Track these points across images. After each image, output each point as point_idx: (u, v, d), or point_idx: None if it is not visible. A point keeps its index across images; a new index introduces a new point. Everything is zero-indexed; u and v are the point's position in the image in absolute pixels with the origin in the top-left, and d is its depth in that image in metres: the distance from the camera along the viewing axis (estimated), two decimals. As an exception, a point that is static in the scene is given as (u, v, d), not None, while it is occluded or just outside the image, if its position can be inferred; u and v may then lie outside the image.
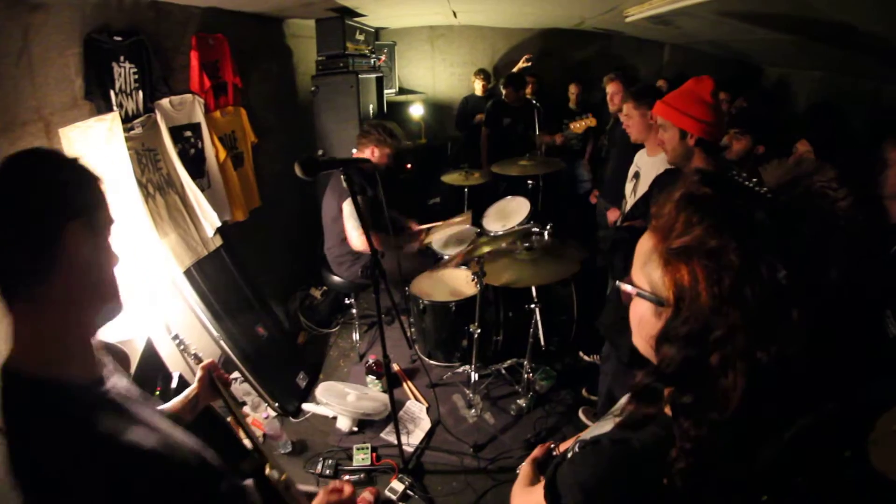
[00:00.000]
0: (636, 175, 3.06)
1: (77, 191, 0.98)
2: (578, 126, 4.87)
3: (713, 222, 0.77)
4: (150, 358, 2.19)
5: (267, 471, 1.47)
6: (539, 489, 1.07)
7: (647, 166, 2.94)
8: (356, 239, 3.47)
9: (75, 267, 0.93)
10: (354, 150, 3.65)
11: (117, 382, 1.05)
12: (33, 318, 0.91)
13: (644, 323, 0.89)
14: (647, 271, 0.87)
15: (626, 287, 0.91)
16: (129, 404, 1.01)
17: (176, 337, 2.15)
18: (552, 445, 1.58)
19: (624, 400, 1.15)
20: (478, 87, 6.12)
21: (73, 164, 1.00)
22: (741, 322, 0.74)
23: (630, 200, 3.09)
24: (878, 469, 1.13)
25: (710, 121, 2.00)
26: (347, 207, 3.41)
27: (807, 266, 0.74)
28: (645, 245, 0.89)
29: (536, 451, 1.56)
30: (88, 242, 0.96)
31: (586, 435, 1.14)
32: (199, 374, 1.64)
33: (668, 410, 0.88)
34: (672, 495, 0.82)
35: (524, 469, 1.48)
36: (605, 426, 1.08)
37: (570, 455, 1.06)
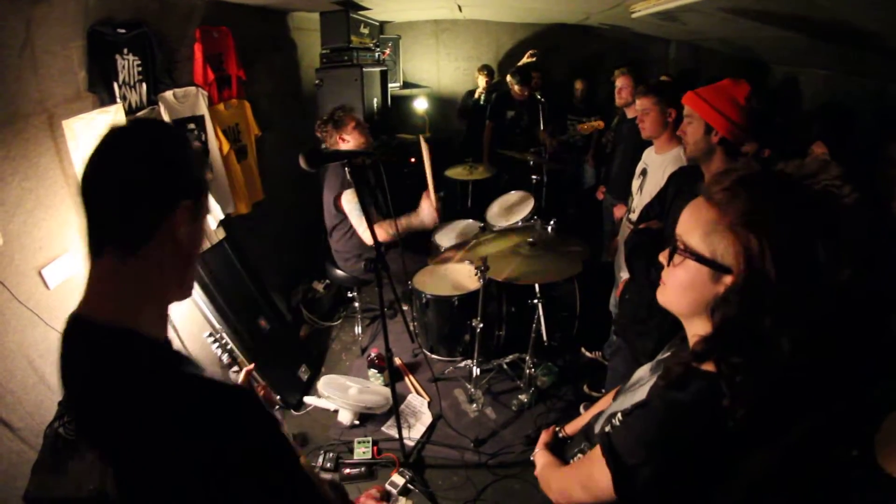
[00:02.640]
0: (643, 172, 3.04)
1: (197, 173, 1.06)
2: (585, 128, 4.85)
3: (777, 202, 0.90)
4: (153, 351, 2.20)
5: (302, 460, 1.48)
6: (590, 460, 1.13)
7: (656, 164, 2.92)
8: (363, 233, 3.39)
9: (176, 241, 0.97)
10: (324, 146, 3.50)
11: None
12: (121, 274, 0.93)
13: (696, 287, 0.99)
14: (709, 240, 0.95)
15: (683, 253, 1.00)
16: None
17: (211, 334, 2.18)
18: (557, 429, 1.59)
19: (642, 372, 1.25)
20: (481, 84, 6.09)
21: (197, 150, 1.11)
22: (796, 292, 0.87)
23: (636, 197, 3.07)
24: (884, 469, 1.13)
25: (739, 123, 1.97)
26: (347, 204, 3.36)
27: (847, 258, 0.87)
28: (704, 215, 0.98)
29: (545, 436, 1.56)
30: (191, 222, 0.99)
31: (617, 408, 1.19)
32: (241, 378, 1.77)
33: (706, 367, 0.99)
34: (726, 441, 0.94)
35: (544, 456, 1.47)
36: (635, 396, 1.15)
37: (615, 423, 1.13)
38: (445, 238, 3.86)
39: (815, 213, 0.89)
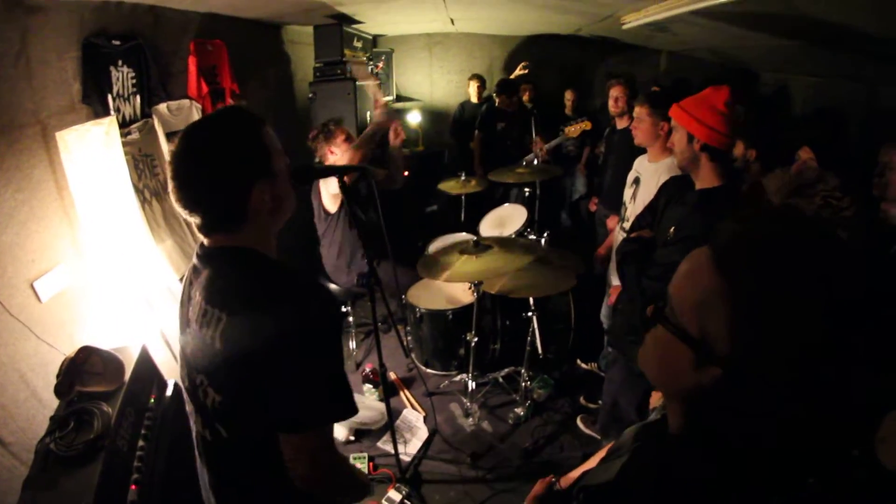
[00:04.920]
0: (636, 181, 3.05)
1: (261, 155, 1.21)
2: (573, 130, 4.87)
3: (800, 279, 0.64)
4: (145, 365, 2.16)
5: None
6: None
7: (648, 173, 2.94)
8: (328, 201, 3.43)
9: (265, 211, 1.22)
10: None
11: None
12: (236, 236, 1.23)
13: (675, 369, 0.75)
14: (702, 315, 0.70)
15: (664, 324, 0.76)
16: None
17: None
18: (553, 480, 1.55)
19: (626, 436, 1.09)
20: (473, 93, 6.12)
21: (267, 129, 1.25)
22: (806, 394, 0.66)
23: (630, 206, 3.08)
24: (886, 467, 1.12)
25: (718, 129, 2.01)
26: (323, 190, 3.39)
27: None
28: (703, 281, 0.71)
29: (537, 488, 1.52)
30: (271, 192, 1.21)
31: (591, 480, 1.07)
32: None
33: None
34: None
35: None
36: (609, 471, 0.99)
37: (581, 500, 1.01)
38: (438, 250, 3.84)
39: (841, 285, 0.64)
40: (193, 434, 1.36)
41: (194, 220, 1.21)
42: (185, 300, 1.30)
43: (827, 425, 0.70)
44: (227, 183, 1.17)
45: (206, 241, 1.26)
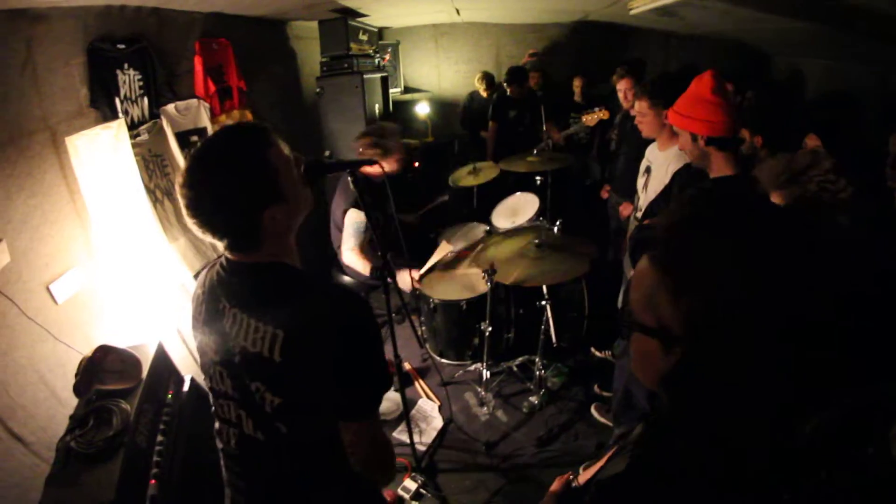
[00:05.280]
0: (648, 169, 3.03)
1: (279, 178, 1.24)
2: (590, 119, 4.83)
3: (719, 250, 0.72)
4: (162, 362, 2.20)
5: None
6: None
7: (659, 161, 2.92)
8: (346, 254, 3.33)
9: (279, 230, 1.28)
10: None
11: None
12: (256, 254, 1.28)
13: (652, 361, 0.82)
14: (653, 307, 0.79)
15: (629, 325, 0.84)
16: None
17: None
18: (571, 477, 1.55)
19: (637, 430, 1.13)
20: (481, 89, 6.12)
21: (274, 147, 1.25)
22: (761, 361, 0.70)
23: (642, 195, 3.06)
24: None
25: (715, 119, 2.00)
26: (349, 217, 3.29)
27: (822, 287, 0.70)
28: (646, 279, 0.81)
29: (556, 485, 1.53)
30: (283, 211, 1.25)
31: (603, 474, 1.12)
32: None
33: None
34: None
35: None
36: (619, 463, 1.05)
37: (593, 491, 1.05)
38: (451, 242, 3.85)
39: (777, 249, 0.71)
40: (227, 440, 1.40)
41: (215, 243, 1.28)
42: (212, 310, 1.34)
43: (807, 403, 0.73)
44: (237, 216, 1.22)
45: (230, 255, 1.32)
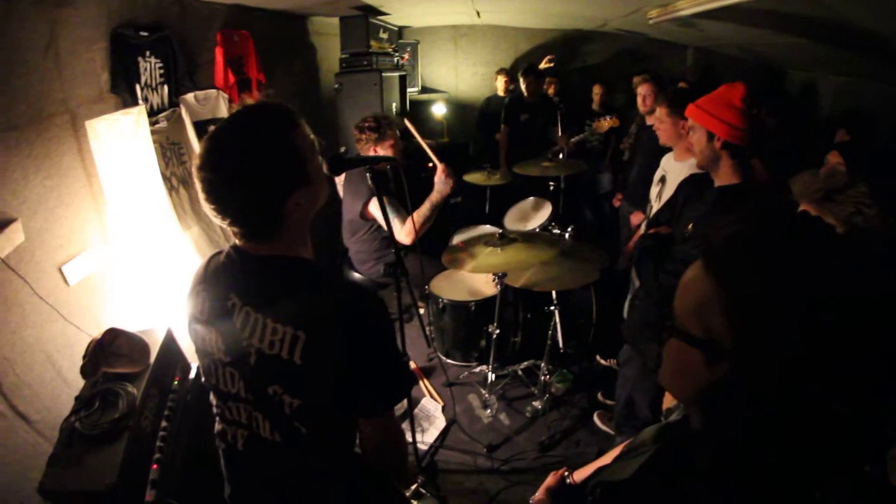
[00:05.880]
0: (662, 179, 3.02)
1: (305, 161, 1.20)
2: (601, 125, 4.83)
3: (785, 272, 0.69)
4: (170, 348, 2.21)
5: None
6: None
7: (674, 171, 2.91)
8: (399, 232, 3.25)
9: (299, 216, 1.23)
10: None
11: None
12: (273, 243, 1.23)
13: (690, 373, 0.79)
14: (702, 316, 0.75)
15: (671, 332, 0.81)
16: None
17: None
18: (566, 473, 1.55)
19: (646, 435, 1.12)
20: (500, 86, 6.11)
21: (299, 129, 1.22)
22: (809, 380, 0.68)
23: (655, 205, 3.05)
24: None
25: (738, 125, 1.98)
26: (376, 209, 3.29)
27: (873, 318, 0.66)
28: (698, 286, 0.77)
29: (550, 480, 1.53)
30: (305, 199, 1.21)
31: (609, 476, 1.10)
32: None
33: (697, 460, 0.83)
34: None
35: (540, 500, 1.45)
36: (627, 468, 1.02)
37: (597, 494, 1.03)
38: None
39: (837, 281, 0.67)
40: (233, 441, 1.36)
41: (229, 229, 1.22)
42: (219, 307, 1.27)
43: (840, 422, 0.70)
44: (259, 201, 1.15)
45: (241, 244, 1.25)
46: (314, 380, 1.20)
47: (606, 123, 4.79)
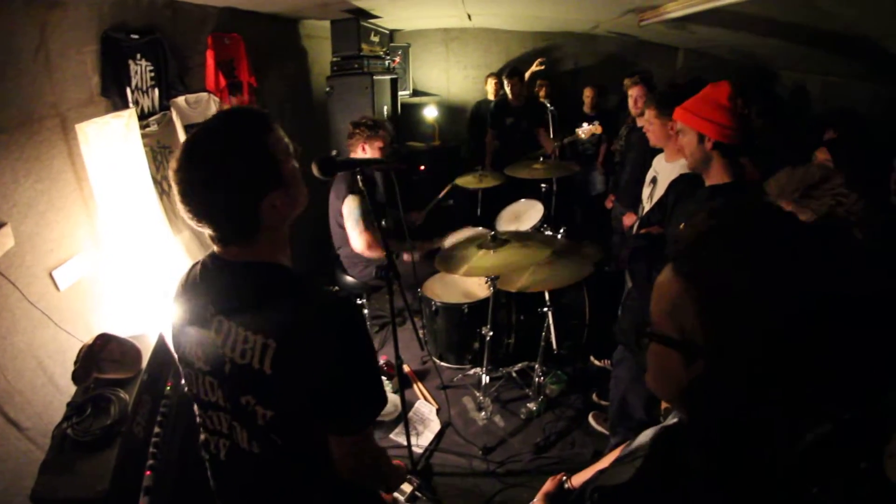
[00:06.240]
0: (654, 180, 3.03)
1: (279, 163, 1.19)
2: (585, 132, 4.83)
3: (753, 266, 0.69)
4: (162, 353, 2.19)
5: None
6: None
7: (666, 172, 2.92)
8: (355, 239, 3.34)
9: (277, 218, 1.20)
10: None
11: None
12: (251, 247, 1.21)
13: (671, 374, 0.80)
14: (675, 317, 0.77)
15: (646, 333, 0.82)
16: None
17: None
18: (564, 478, 1.54)
19: (644, 438, 1.12)
20: (490, 90, 6.14)
21: (273, 132, 1.20)
22: (783, 377, 0.68)
23: (647, 205, 3.06)
24: (894, 482, 1.09)
25: (727, 124, 2.00)
26: (347, 207, 3.32)
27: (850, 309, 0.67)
28: (669, 289, 0.78)
29: (548, 485, 1.52)
30: (283, 199, 1.19)
31: (606, 480, 1.09)
32: None
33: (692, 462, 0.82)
34: None
35: None
36: (624, 472, 1.01)
37: (595, 499, 1.03)
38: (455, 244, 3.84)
39: (808, 267, 0.68)
40: (216, 451, 1.35)
41: (206, 232, 1.21)
42: (199, 315, 1.25)
43: (829, 420, 0.71)
44: (235, 202, 1.15)
45: (219, 251, 1.24)
46: (286, 390, 1.17)
47: (590, 130, 4.79)
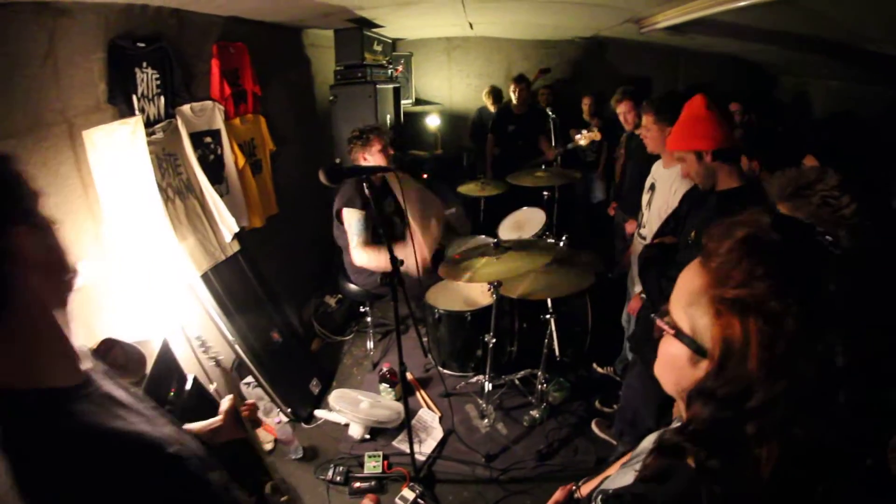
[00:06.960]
0: (652, 187, 3.05)
1: (24, 197, 0.83)
2: (583, 138, 4.85)
3: (779, 281, 0.68)
4: (166, 359, 2.21)
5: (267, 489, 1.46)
6: None
7: (663, 178, 2.94)
8: (356, 254, 3.36)
9: (33, 275, 0.81)
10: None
11: (104, 384, 0.94)
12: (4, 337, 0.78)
13: (676, 367, 0.82)
14: (691, 313, 0.78)
15: (663, 324, 0.83)
16: (113, 402, 0.91)
17: (199, 338, 2.16)
18: (574, 487, 1.53)
19: (647, 442, 1.12)
20: (488, 104, 6.19)
21: (9, 160, 0.82)
22: (785, 394, 0.68)
23: (646, 212, 3.08)
24: None
25: (715, 131, 2.04)
26: (347, 216, 3.35)
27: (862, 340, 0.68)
28: (692, 283, 0.79)
29: (558, 495, 1.50)
30: (40, 245, 0.84)
31: (609, 484, 1.10)
32: (224, 405, 1.50)
33: (691, 462, 0.82)
34: None
35: None
36: (626, 476, 1.03)
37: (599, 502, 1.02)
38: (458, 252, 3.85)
39: (835, 303, 0.67)
40: None
41: None
42: None
43: (824, 422, 0.70)
44: None
45: None
46: None
47: (588, 136, 4.80)
